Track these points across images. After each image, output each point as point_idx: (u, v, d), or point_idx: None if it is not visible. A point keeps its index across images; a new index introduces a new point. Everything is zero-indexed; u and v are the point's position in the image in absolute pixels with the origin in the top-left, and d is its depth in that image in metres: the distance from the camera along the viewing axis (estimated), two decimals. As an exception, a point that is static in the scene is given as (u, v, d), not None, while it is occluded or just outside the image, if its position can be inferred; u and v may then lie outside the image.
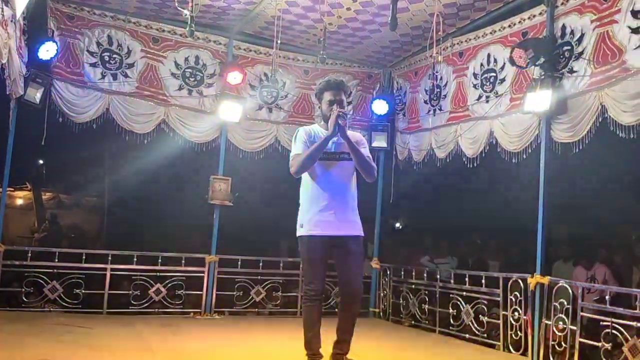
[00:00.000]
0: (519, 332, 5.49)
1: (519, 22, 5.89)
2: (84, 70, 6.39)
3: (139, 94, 6.64)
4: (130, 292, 6.64)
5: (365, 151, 4.15)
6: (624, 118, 4.76)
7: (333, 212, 4.02)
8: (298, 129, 4.20)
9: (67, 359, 4.28)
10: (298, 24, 6.58)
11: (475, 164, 6.36)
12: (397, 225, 13.68)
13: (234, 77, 6.74)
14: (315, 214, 4.02)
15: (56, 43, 5.99)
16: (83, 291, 6.44)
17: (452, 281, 6.56)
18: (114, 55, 6.54)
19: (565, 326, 5.02)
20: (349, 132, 4.09)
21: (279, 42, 6.06)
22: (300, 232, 4.09)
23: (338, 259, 4.10)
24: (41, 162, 13.96)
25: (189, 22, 4.69)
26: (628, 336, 4.51)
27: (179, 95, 6.83)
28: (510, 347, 5.58)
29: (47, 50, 5.86)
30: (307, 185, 4.12)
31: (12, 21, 4.96)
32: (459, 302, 6.30)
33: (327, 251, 4.06)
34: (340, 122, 3.94)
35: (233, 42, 7.08)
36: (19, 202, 15.01)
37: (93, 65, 6.44)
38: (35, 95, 5.89)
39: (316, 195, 4.05)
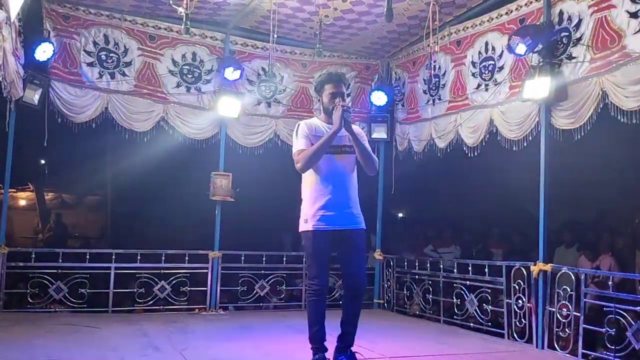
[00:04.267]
0: (523, 319, 5.51)
1: (516, 9, 5.86)
2: (82, 70, 6.39)
3: (137, 92, 6.64)
4: (135, 290, 6.68)
5: (366, 144, 4.14)
6: (626, 103, 4.72)
7: (336, 206, 4.01)
8: (299, 123, 4.17)
9: (74, 359, 4.31)
10: (294, 17, 6.56)
11: (476, 153, 6.35)
12: (400, 215, 13.65)
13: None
14: (319, 209, 4.01)
15: (52, 44, 6.00)
16: (88, 290, 6.48)
17: (455, 271, 6.56)
18: (111, 54, 6.53)
19: (569, 312, 5.03)
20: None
21: (275, 36, 6.04)
22: (304, 227, 4.08)
23: (341, 253, 4.10)
24: (42, 162, 13.96)
25: (184, 20, 4.68)
26: (632, 321, 4.52)
27: (177, 93, 6.82)
28: (515, 335, 5.60)
29: (44, 51, 5.86)
30: (309, 180, 4.10)
31: (6, 23, 4.95)
32: (462, 292, 6.32)
33: (331, 245, 4.06)
34: (346, 116, 3.94)
35: (230, 37, 7.06)
36: (22, 203, 15.04)
37: (90, 64, 6.43)
38: (34, 96, 5.90)
39: (319, 189, 4.03)
